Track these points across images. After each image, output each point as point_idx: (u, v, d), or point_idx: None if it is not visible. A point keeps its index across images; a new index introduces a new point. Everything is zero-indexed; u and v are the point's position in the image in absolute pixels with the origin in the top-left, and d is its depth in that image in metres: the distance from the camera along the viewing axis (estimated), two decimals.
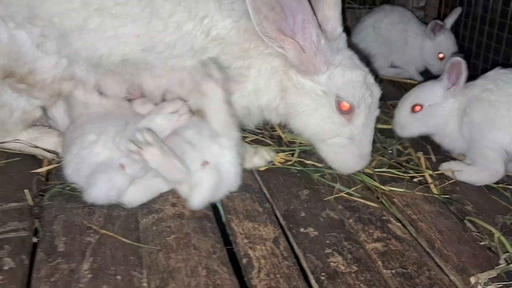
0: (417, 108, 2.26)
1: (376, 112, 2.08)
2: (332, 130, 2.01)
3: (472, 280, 1.51)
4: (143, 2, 1.89)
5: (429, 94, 2.25)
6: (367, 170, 2.13)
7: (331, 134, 2.02)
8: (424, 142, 2.38)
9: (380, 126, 2.49)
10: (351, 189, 2.00)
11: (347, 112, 1.98)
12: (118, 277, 1.51)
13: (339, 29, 2.07)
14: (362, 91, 1.98)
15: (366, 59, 2.13)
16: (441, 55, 3.20)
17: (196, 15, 1.94)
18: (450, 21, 3.25)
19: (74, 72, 1.99)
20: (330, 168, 2.13)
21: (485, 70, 2.23)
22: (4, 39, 1.87)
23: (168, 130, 1.92)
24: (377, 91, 2.06)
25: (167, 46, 1.95)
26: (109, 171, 1.78)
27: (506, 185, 2.05)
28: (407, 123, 2.30)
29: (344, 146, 2.03)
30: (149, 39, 1.92)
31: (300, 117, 2.03)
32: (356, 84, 1.97)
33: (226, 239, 1.74)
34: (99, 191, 1.76)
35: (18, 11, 1.85)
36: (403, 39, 3.26)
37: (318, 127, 2.03)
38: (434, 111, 2.22)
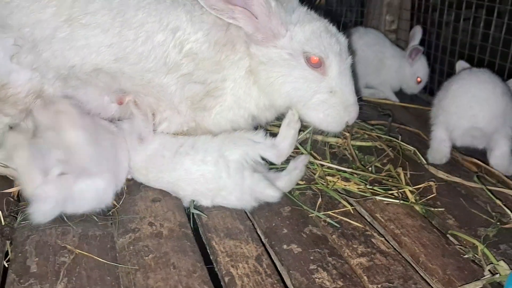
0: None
1: (349, 60, 2.08)
2: (310, 88, 2.00)
3: None
4: (114, 11, 1.89)
5: None
6: (351, 187, 2.12)
7: (311, 93, 2.01)
8: (403, 158, 2.39)
9: (359, 143, 2.50)
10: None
11: (318, 65, 1.98)
12: None
13: None
14: (327, 40, 1.99)
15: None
16: (419, 79, 3.32)
17: (167, 26, 1.94)
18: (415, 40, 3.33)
19: (43, 88, 1.94)
20: (310, 184, 2.11)
21: None
22: None
23: None
24: (342, 39, 2.08)
25: (140, 57, 1.94)
26: None
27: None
28: None
29: (326, 101, 2.02)
30: (121, 49, 1.91)
31: (277, 89, 2.02)
32: (318, 35, 1.98)
33: (206, 259, 1.69)
34: None
35: None
36: (379, 60, 3.30)
37: (296, 91, 2.01)
38: None
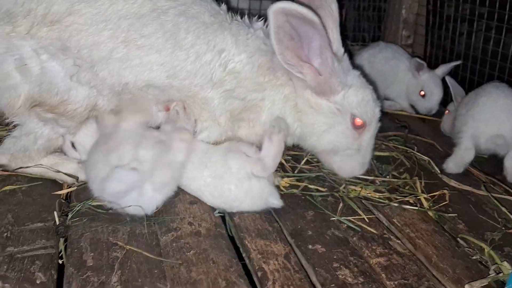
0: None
1: (378, 124, 2.33)
2: (345, 143, 2.25)
3: (467, 287, 1.68)
4: (167, 34, 2.08)
5: None
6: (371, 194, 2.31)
7: (344, 147, 2.26)
8: (418, 168, 2.58)
9: (377, 153, 2.68)
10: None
11: (359, 127, 2.22)
12: None
13: (342, 50, 2.29)
14: (373, 108, 2.23)
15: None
16: (422, 93, 3.38)
17: (214, 48, 2.14)
18: (442, 69, 3.39)
19: (97, 102, 2.14)
20: (332, 191, 2.30)
21: None
22: (36, 71, 2.00)
23: None
24: (379, 106, 2.32)
25: (189, 74, 2.14)
26: None
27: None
28: None
29: (352, 155, 2.28)
30: (172, 67, 2.11)
31: (316, 135, 2.25)
32: (368, 102, 2.22)
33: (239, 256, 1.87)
34: None
35: (51, 44, 2.00)
36: (395, 74, 3.46)
37: (333, 142, 2.26)
38: None
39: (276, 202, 2.10)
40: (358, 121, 2.21)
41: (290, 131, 2.30)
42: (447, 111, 3.07)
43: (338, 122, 2.23)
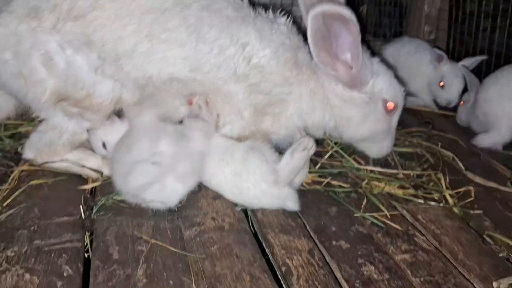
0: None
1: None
2: (380, 129, 2.34)
3: (494, 285, 1.66)
4: (190, 28, 2.09)
5: None
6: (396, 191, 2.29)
7: (379, 132, 2.35)
8: (443, 164, 2.55)
9: (400, 149, 2.66)
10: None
11: (391, 110, 2.29)
12: (170, 281, 1.64)
13: None
14: (400, 89, 2.31)
15: None
16: (441, 84, 3.34)
17: (237, 42, 2.15)
18: (466, 62, 3.36)
19: (122, 96, 2.16)
20: (355, 187, 2.29)
21: None
22: (62, 66, 2.02)
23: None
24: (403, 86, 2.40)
25: (212, 67, 2.14)
26: None
27: None
28: None
29: (385, 138, 2.38)
30: (196, 60, 2.12)
31: (354, 127, 2.31)
32: (395, 85, 2.29)
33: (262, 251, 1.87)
34: None
35: (76, 38, 2.03)
36: (418, 68, 3.43)
37: (371, 130, 2.33)
38: None
39: (292, 206, 2.08)
40: (390, 104, 2.28)
41: (321, 123, 2.33)
42: (462, 102, 3.12)
43: (372, 110, 2.28)
